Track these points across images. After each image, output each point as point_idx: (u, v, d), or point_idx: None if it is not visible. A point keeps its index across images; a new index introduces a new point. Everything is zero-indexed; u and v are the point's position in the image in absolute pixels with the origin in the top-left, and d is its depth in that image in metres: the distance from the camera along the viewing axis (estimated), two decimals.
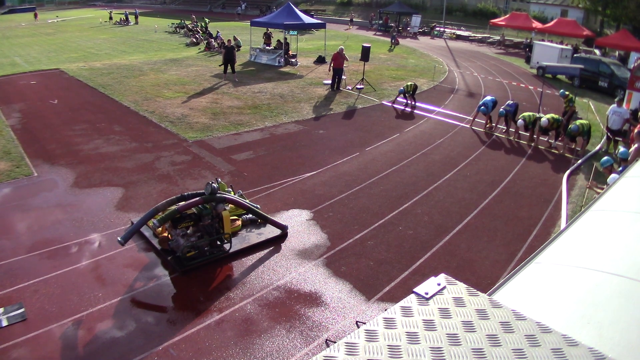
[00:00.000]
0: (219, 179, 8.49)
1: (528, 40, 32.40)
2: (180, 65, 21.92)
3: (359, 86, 18.34)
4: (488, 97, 14.02)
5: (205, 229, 6.94)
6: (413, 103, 16.10)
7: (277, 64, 22.56)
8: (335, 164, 10.80)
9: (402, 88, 16.15)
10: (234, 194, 7.80)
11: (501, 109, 13.47)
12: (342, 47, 18.25)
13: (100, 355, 5.15)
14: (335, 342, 1.61)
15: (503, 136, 13.37)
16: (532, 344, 1.60)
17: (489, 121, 13.78)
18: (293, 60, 22.99)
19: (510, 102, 13.89)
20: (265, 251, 7.31)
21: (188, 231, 6.92)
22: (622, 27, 32.29)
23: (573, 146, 12.23)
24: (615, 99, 13.62)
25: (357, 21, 46.18)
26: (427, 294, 1.87)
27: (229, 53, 18.91)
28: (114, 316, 5.75)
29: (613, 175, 7.79)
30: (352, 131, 13.30)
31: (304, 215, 8.42)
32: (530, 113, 13.00)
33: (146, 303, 6.07)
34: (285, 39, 23.93)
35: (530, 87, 20.32)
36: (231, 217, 7.47)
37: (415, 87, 16.15)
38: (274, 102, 15.84)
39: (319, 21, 27.42)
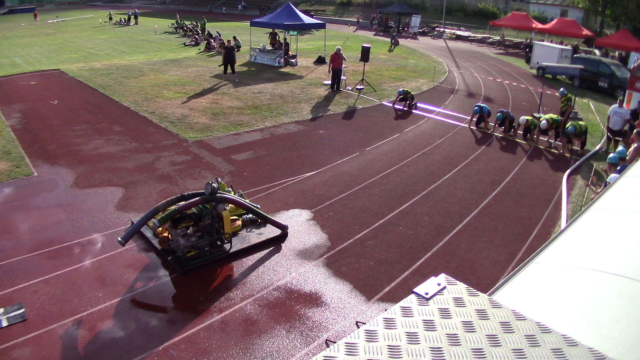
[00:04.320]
0: (219, 179, 8.49)
1: (528, 41, 32.38)
2: (180, 66, 21.92)
3: (359, 86, 18.33)
4: (485, 106, 14.23)
5: (205, 229, 6.94)
6: (413, 103, 16.03)
7: (277, 65, 22.56)
8: (335, 164, 10.80)
9: (401, 90, 16.15)
10: (234, 194, 7.79)
11: (498, 113, 13.56)
12: (339, 47, 18.24)
13: (100, 355, 5.15)
14: (335, 342, 1.61)
15: (501, 135, 13.38)
16: (532, 344, 1.60)
17: (486, 123, 13.87)
18: (293, 60, 22.99)
19: (502, 109, 13.99)
20: (266, 251, 7.31)
21: (188, 231, 6.92)
22: (622, 27, 32.29)
23: (571, 147, 12.24)
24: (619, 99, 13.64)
25: (356, 21, 46.16)
26: (427, 294, 1.87)
27: (228, 53, 18.93)
28: (114, 316, 5.75)
29: (613, 175, 7.79)
30: (352, 131, 13.31)
31: (304, 215, 8.42)
32: (532, 118, 13.08)
33: (146, 303, 6.07)
34: (285, 39, 23.93)
35: (530, 87, 20.32)
36: (231, 217, 7.47)
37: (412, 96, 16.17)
38: (274, 103, 15.84)
39: (319, 21, 27.42)
